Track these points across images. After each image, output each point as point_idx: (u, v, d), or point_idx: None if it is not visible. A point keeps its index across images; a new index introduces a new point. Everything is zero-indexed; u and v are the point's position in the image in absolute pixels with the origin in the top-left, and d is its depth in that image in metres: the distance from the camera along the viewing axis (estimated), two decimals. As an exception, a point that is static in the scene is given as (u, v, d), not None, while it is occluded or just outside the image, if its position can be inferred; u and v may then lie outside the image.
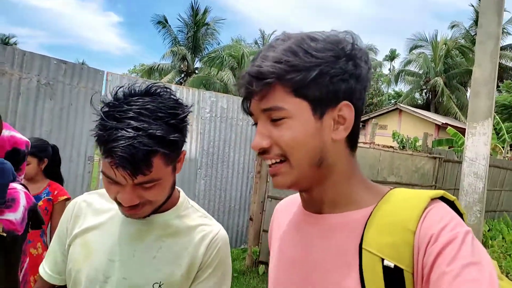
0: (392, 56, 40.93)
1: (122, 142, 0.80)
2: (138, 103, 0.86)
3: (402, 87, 30.91)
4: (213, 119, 5.70)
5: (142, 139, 0.81)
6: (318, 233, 0.77)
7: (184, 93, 5.42)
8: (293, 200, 0.92)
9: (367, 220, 0.70)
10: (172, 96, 0.92)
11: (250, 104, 0.74)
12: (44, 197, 2.64)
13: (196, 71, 25.49)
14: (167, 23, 24.33)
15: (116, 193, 0.89)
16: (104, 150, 0.84)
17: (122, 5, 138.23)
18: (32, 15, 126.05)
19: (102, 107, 0.87)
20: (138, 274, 0.96)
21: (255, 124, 0.75)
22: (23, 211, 1.48)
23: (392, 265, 0.64)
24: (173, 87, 5.42)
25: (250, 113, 0.75)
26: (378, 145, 6.50)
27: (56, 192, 2.69)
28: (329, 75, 0.69)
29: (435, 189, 7.52)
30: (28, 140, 1.76)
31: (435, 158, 7.25)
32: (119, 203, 0.91)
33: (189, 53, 24.57)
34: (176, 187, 1.10)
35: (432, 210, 0.66)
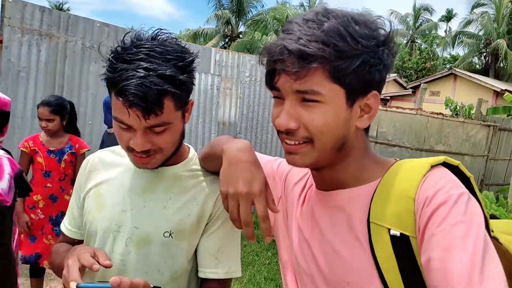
0: (448, 17, 37.97)
1: (134, 81, 0.82)
2: (146, 46, 0.87)
3: (460, 50, 28.94)
4: (252, 83, 5.65)
5: (153, 78, 0.83)
6: (327, 210, 0.78)
7: (224, 56, 5.39)
8: (300, 175, 0.92)
9: (373, 194, 0.71)
10: (178, 42, 0.94)
11: (278, 78, 0.70)
12: (68, 151, 2.85)
13: (240, 36, 25.21)
14: (212, -14, 23.99)
15: (128, 140, 0.90)
16: (116, 91, 0.85)
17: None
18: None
19: (111, 53, 0.89)
20: (149, 223, 0.99)
21: (277, 97, 0.73)
22: (9, 179, 1.44)
23: (398, 233, 0.66)
24: (213, 49, 5.39)
25: (274, 87, 0.72)
26: (426, 111, 6.16)
27: (77, 146, 2.90)
28: (369, 64, 0.68)
29: (487, 159, 7.10)
30: (9, 99, 1.72)
31: (489, 126, 6.80)
32: (131, 151, 0.92)
33: (233, 16, 24.26)
34: (187, 144, 1.13)
35: (430, 175, 0.67)
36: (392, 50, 0.71)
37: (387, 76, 0.73)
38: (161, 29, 0.94)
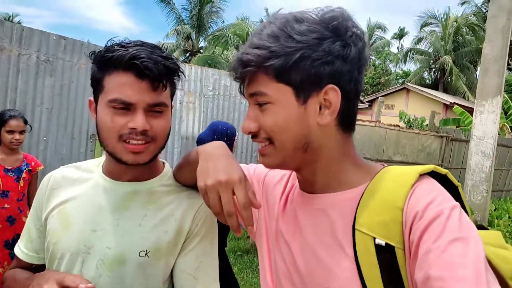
0: (401, 35, 40.10)
1: (143, 54, 0.85)
2: (136, 44, 0.89)
3: (411, 66, 30.49)
4: (216, 97, 5.63)
5: (160, 54, 0.88)
6: (310, 213, 0.77)
7: (187, 70, 5.34)
8: (278, 177, 0.92)
9: (359, 200, 0.70)
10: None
11: (242, 87, 0.77)
12: (25, 168, 2.72)
13: (201, 50, 25.23)
14: (171, 1, 23.95)
15: (123, 125, 0.87)
16: (124, 65, 0.85)
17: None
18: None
19: (99, 52, 0.91)
20: (123, 242, 0.93)
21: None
22: None
23: (383, 243, 0.64)
24: (175, 64, 5.35)
25: (244, 95, 0.78)
26: (384, 123, 6.41)
27: (33, 163, 2.78)
28: (310, 58, 0.67)
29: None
30: None
31: (441, 137, 7.17)
32: (127, 137, 0.88)
33: (194, 32, 24.26)
34: (162, 159, 1.08)
35: (419, 186, 0.66)
36: (349, 39, 0.69)
37: (354, 66, 0.70)
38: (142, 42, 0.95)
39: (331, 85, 0.69)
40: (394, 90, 21.05)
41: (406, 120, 12.17)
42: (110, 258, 0.92)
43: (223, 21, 25.21)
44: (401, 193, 0.66)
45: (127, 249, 0.92)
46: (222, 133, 2.59)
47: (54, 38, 4.12)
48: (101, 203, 0.96)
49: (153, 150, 0.93)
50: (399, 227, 0.64)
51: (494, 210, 8.05)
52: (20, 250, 1.03)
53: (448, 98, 18.86)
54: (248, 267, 4.62)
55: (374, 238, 0.65)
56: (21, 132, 2.61)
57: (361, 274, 0.66)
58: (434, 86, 25.28)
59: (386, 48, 35.15)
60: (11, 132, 2.58)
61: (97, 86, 0.92)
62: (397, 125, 6.60)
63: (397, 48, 38.95)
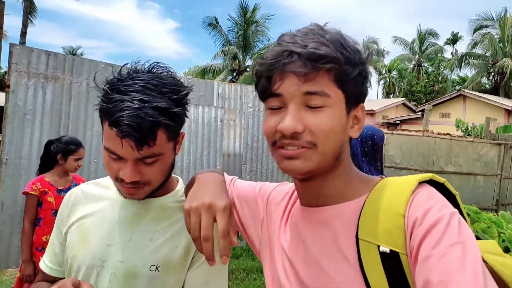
0: (454, 40, 38.30)
1: (128, 112, 0.82)
2: (142, 78, 0.88)
3: (467, 71, 28.91)
4: (256, 114, 5.70)
5: (147, 110, 0.83)
6: (312, 226, 0.77)
7: (227, 89, 5.48)
8: (281, 195, 0.92)
9: (361, 211, 0.71)
10: (173, 75, 0.96)
11: (281, 83, 0.70)
12: None
13: (248, 69, 25.70)
14: (218, 23, 24.80)
15: (117, 171, 0.89)
16: (110, 122, 0.85)
17: (179, 10, 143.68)
18: (98, 27, 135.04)
19: (106, 84, 0.90)
20: (135, 257, 0.96)
21: (272, 109, 0.73)
22: None
23: (387, 250, 0.65)
24: (215, 83, 5.49)
25: (275, 94, 0.71)
26: (433, 132, 6.09)
27: (81, 183, 2.89)
28: (363, 76, 0.72)
29: (501, 178, 6.91)
30: None
31: (499, 144, 6.66)
32: (120, 181, 0.91)
33: (240, 51, 24.84)
34: (176, 175, 1.11)
35: (419, 193, 0.67)
36: (369, 67, 0.76)
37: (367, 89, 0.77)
38: (158, 62, 0.96)
39: (362, 104, 0.75)
40: (449, 97, 20.04)
41: (463, 128, 11.50)
42: (122, 272, 0.95)
43: (269, 39, 25.56)
44: (402, 200, 0.67)
45: (139, 263, 0.95)
46: (366, 136, 2.45)
47: (102, 65, 4.43)
48: (116, 218, 1.00)
49: (149, 190, 0.95)
50: (402, 233, 0.65)
51: None
52: (45, 264, 1.10)
53: (509, 103, 17.56)
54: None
55: (378, 246, 0.66)
56: (82, 159, 2.88)
57: (368, 283, 0.65)
58: (493, 91, 23.71)
59: (439, 54, 33.68)
60: (78, 159, 2.83)
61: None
62: (448, 134, 6.24)
63: (451, 53, 37.20)
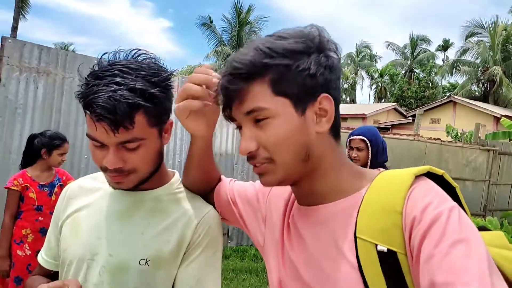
0: (445, 46, 38.77)
1: (103, 94, 0.81)
2: (121, 63, 0.88)
3: (458, 78, 29.27)
4: (249, 114, 5.69)
5: (123, 92, 0.82)
6: (310, 225, 0.76)
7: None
8: (282, 192, 0.91)
9: (359, 208, 0.69)
10: (155, 60, 0.94)
11: (231, 111, 0.73)
12: (57, 183, 2.87)
13: (241, 70, 25.65)
14: (212, 23, 24.79)
15: (102, 159, 0.88)
16: (85, 104, 0.84)
17: (173, 10, 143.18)
18: (90, 24, 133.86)
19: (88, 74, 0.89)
20: (125, 250, 0.94)
21: (239, 128, 0.75)
22: None
23: (385, 249, 0.64)
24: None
25: (232, 119, 0.75)
26: (423, 137, 6.16)
27: (64, 177, 2.94)
28: (303, 70, 0.69)
29: (489, 184, 7.00)
30: None
31: (488, 150, 6.76)
32: (105, 170, 0.90)
33: (233, 52, 24.75)
34: (173, 170, 1.09)
35: (416, 188, 0.65)
36: (328, 51, 0.73)
37: (337, 75, 0.74)
38: (139, 49, 0.94)
39: (324, 94, 0.71)
40: (440, 103, 20.24)
41: (453, 134, 11.63)
42: (112, 265, 0.93)
43: (262, 41, 25.56)
44: (398, 197, 0.65)
45: (128, 257, 0.93)
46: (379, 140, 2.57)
47: (95, 61, 4.38)
48: (108, 211, 0.99)
49: (135, 179, 0.93)
50: (399, 232, 0.63)
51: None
52: (41, 256, 1.10)
53: (499, 111, 17.83)
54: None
55: (376, 245, 0.65)
56: (66, 153, 2.85)
57: (366, 283, 0.65)
58: (484, 98, 24.04)
59: (431, 61, 34.06)
60: (62, 154, 2.79)
61: None
62: (438, 138, 6.32)
63: (442, 60, 37.64)
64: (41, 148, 2.75)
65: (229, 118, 0.75)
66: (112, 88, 0.82)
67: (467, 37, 26.67)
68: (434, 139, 6.25)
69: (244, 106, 0.70)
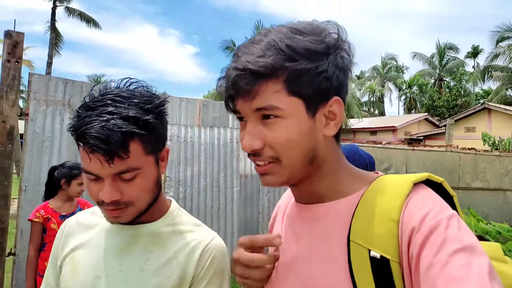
0: (475, 53, 37.68)
1: (95, 124, 0.79)
2: (113, 93, 0.86)
3: (491, 84, 28.24)
4: (272, 134, 5.64)
5: (116, 121, 0.80)
6: (305, 224, 0.76)
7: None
8: (289, 194, 0.89)
9: (354, 210, 0.68)
10: (147, 88, 0.92)
11: (236, 102, 0.69)
12: None
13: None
14: (235, 46, 25.22)
15: (98, 192, 0.85)
16: (77, 136, 0.82)
17: (198, 36, 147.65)
18: (120, 55, 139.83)
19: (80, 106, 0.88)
20: None
21: (240, 119, 0.72)
22: None
23: (378, 255, 0.63)
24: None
25: (236, 111, 0.71)
26: (456, 147, 5.88)
27: (86, 207, 2.90)
28: (321, 72, 0.66)
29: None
30: None
31: (529, 158, 6.35)
32: (101, 204, 0.86)
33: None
34: (169, 198, 1.05)
35: (414, 197, 0.64)
36: (344, 52, 0.69)
37: (348, 78, 0.71)
38: (130, 78, 0.93)
39: (336, 97, 0.69)
40: (473, 111, 19.53)
41: (490, 142, 11.12)
42: None
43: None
44: (396, 205, 0.64)
45: None
46: (361, 156, 2.49)
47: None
48: (106, 247, 0.95)
49: (133, 212, 0.89)
50: (395, 240, 0.62)
51: None
52: None
53: (539, 115, 16.95)
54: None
55: (369, 251, 0.63)
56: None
57: (355, 286, 0.64)
58: (520, 103, 22.98)
59: (461, 68, 33.13)
60: (81, 184, 2.80)
61: None
62: (473, 148, 6.00)
63: (473, 67, 36.57)
64: (60, 179, 2.79)
65: (232, 110, 0.71)
66: (105, 118, 0.80)
67: (497, 42, 25.83)
68: (469, 149, 5.95)
69: (254, 103, 0.66)
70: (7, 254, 3.33)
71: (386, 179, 0.71)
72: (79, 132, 0.81)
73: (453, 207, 0.66)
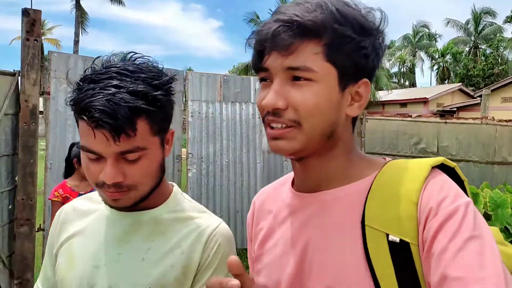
0: (515, 17, 35.34)
1: (101, 97, 0.73)
2: (118, 65, 0.80)
3: (531, 51, 26.58)
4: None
5: (123, 95, 0.74)
6: (314, 211, 0.72)
7: (258, 84, 5.31)
8: (275, 188, 0.87)
9: (367, 194, 0.67)
10: (155, 65, 0.86)
11: (268, 57, 0.66)
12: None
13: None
14: (259, 19, 24.70)
15: (97, 174, 0.79)
16: (80, 110, 0.75)
17: (221, 9, 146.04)
18: (146, 32, 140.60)
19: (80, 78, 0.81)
20: (125, 280, 0.85)
21: (263, 79, 0.69)
22: None
23: (397, 239, 0.62)
24: (252, 78, 5.34)
25: (263, 68, 0.67)
26: (493, 119, 5.54)
27: None
28: (362, 47, 0.66)
29: None
30: None
31: None
32: (101, 186, 0.80)
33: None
34: (171, 182, 0.99)
35: (432, 180, 0.64)
36: (382, 39, 0.70)
37: (379, 67, 0.71)
38: (135, 52, 0.86)
39: (365, 79, 0.69)
40: (511, 80, 18.45)
41: (529, 113, 10.51)
42: None
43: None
44: (415, 187, 0.63)
45: (129, 287, 0.85)
46: None
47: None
48: (104, 236, 0.90)
49: (135, 196, 0.83)
50: (414, 222, 0.61)
51: None
52: (38, 287, 1.01)
53: None
54: None
55: (387, 235, 0.62)
56: None
57: (374, 274, 0.62)
58: None
59: (498, 35, 31.31)
60: None
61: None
62: (511, 120, 5.64)
63: (512, 32, 34.48)
64: (73, 158, 2.77)
65: (259, 67, 0.68)
66: (111, 91, 0.74)
67: (540, 4, 24.08)
68: (506, 121, 5.60)
69: (289, 60, 0.64)
70: (36, 230, 3.42)
71: (398, 163, 0.70)
72: (82, 105, 0.74)
73: (465, 191, 0.66)
